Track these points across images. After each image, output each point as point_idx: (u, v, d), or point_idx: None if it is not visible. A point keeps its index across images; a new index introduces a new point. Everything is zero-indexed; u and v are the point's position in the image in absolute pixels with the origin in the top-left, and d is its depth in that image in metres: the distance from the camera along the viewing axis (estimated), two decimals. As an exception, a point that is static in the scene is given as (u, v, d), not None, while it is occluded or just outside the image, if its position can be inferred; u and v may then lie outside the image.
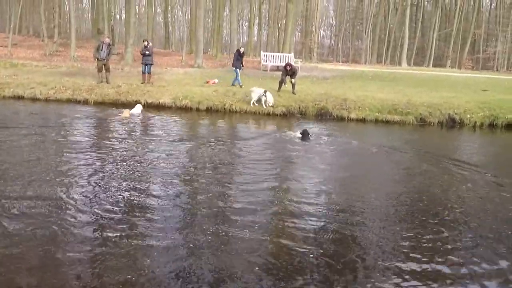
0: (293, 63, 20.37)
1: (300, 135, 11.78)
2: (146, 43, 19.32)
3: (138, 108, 15.12)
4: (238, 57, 19.37)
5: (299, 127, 13.13)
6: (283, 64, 19.08)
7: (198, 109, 16.40)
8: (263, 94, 16.06)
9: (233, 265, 4.66)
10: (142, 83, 18.82)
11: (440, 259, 4.98)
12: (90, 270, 4.44)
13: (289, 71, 17.42)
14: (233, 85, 19.02)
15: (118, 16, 56.77)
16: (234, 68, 19.43)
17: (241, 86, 18.62)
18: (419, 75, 27.56)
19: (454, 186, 8.04)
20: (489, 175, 8.87)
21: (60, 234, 5.15)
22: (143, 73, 19.26)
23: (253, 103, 16.28)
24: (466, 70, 42.58)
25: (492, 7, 56.66)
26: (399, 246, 5.29)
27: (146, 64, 19.14)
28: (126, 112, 14.34)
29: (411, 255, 5.05)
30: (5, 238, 4.98)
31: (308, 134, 11.76)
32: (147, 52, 18.92)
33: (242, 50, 19.81)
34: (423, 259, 4.94)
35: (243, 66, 19.88)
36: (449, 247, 5.33)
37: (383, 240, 5.43)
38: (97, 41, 19.92)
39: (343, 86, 20.27)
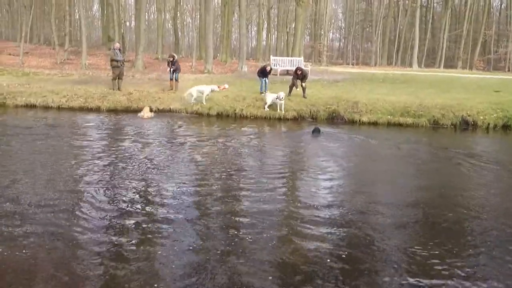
0: (303, 67, 20.26)
1: (312, 132, 13.04)
2: (172, 58, 19.10)
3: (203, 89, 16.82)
4: (263, 73, 18.25)
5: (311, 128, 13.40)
6: (293, 68, 18.96)
7: (209, 115, 16.41)
8: (276, 98, 16.02)
9: (247, 272, 4.62)
10: (170, 90, 18.88)
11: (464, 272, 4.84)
12: (102, 277, 4.43)
13: (299, 75, 17.35)
14: (261, 92, 18.17)
15: (128, 24, 57.12)
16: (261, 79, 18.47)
17: (261, 93, 18.17)
18: (431, 77, 27.35)
19: (480, 188, 8.01)
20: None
21: (73, 241, 5.17)
22: (171, 79, 19.20)
23: (267, 107, 16.29)
24: (477, 71, 42.21)
25: (503, 7, 56.21)
26: (418, 254, 5.18)
27: (174, 71, 19.00)
28: (146, 110, 15.60)
29: (431, 266, 4.94)
30: (18, 244, 5.01)
31: (319, 131, 13.02)
32: (174, 66, 18.79)
33: (268, 68, 18.59)
34: (446, 272, 4.77)
35: (267, 78, 18.46)
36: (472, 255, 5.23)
37: (401, 249, 5.35)
38: (111, 51, 19.89)
39: (354, 89, 20.16)
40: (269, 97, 16.30)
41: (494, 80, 26.57)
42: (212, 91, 16.98)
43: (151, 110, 16.14)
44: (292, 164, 9.50)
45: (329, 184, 7.94)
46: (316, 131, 13.05)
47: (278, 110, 16.15)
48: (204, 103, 16.85)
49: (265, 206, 6.50)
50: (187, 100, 16.85)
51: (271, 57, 28.48)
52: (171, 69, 18.92)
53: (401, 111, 15.91)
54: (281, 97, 15.89)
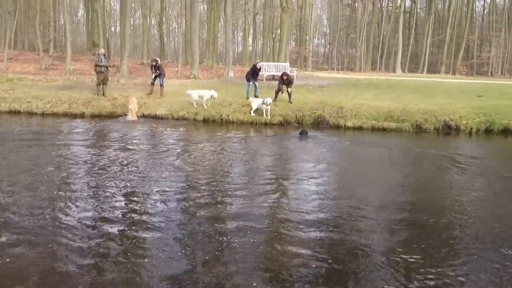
0: (289, 72, 20.38)
1: (299, 134, 13.66)
2: (154, 62, 19.05)
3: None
4: (254, 72, 18.63)
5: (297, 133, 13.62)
6: (279, 74, 19.07)
7: (195, 120, 16.43)
8: (262, 103, 16.10)
9: (233, 278, 4.65)
10: (150, 94, 18.88)
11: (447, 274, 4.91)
12: (88, 284, 4.42)
13: (285, 80, 17.46)
14: (247, 97, 18.26)
15: (113, 29, 56.88)
16: (249, 83, 18.79)
17: (247, 98, 18.23)
18: (414, 82, 27.67)
19: (466, 192, 8.15)
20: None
21: (59, 249, 5.15)
22: (152, 84, 19.18)
23: (253, 113, 16.36)
24: (460, 76, 42.82)
25: (485, 12, 57.14)
26: (405, 256, 5.27)
27: (157, 76, 18.95)
28: (133, 105, 15.99)
29: (416, 268, 5.03)
30: (4, 252, 4.99)
31: (307, 133, 13.65)
32: (157, 71, 18.81)
33: (258, 66, 19.05)
34: (431, 274, 4.84)
35: (256, 81, 18.87)
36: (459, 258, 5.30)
37: (388, 252, 5.43)
38: (95, 56, 19.75)
39: (339, 94, 20.34)
40: (255, 103, 16.39)
41: (477, 85, 26.99)
42: (212, 97, 17.08)
43: (137, 116, 16.16)
44: (278, 169, 9.55)
45: (315, 189, 7.98)
46: (304, 134, 13.62)
47: (264, 115, 16.24)
48: (205, 107, 17.04)
49: (252, 212, 6.52)
50: (190, 99, 17.16)
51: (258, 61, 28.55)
52: (155, 74, 18.89)
53: (385, 116, 16.09)
54: (267, 103, 16.00)
